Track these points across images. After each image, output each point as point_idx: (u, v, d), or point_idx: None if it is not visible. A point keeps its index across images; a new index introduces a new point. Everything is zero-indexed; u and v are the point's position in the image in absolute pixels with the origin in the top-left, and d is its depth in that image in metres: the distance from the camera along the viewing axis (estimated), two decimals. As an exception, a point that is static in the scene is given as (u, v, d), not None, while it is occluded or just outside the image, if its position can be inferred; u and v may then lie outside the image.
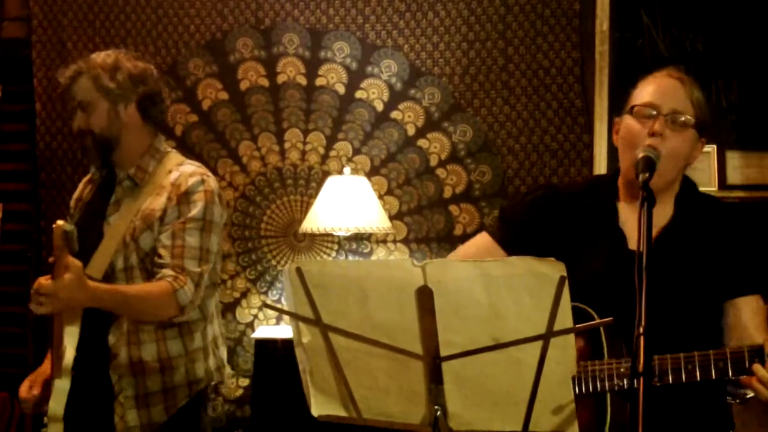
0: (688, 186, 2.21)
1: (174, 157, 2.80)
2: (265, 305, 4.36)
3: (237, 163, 4.38)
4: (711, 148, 3.91)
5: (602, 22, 4.11)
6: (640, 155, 2.03)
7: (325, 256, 4.28)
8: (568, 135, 4.16)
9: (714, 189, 3.89)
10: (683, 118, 2.09)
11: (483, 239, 2.33)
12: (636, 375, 1.57)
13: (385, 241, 4.29)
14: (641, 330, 1.63)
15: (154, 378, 2.66)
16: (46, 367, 2.75)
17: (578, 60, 4.15)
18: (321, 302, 1.71)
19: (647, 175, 1.97)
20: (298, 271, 1.70)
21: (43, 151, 4.46)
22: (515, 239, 2.25)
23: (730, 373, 1.90)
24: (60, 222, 2.41)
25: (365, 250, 4.30)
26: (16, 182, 4.62)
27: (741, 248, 2.12)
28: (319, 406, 1.77)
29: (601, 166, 4.05)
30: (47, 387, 2.65)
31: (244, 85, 4.35)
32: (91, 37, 4.44)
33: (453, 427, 1.70)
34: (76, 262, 2.40)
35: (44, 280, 2.40)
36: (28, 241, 4.54)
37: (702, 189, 2.26)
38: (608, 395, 1.99)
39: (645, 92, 2.14)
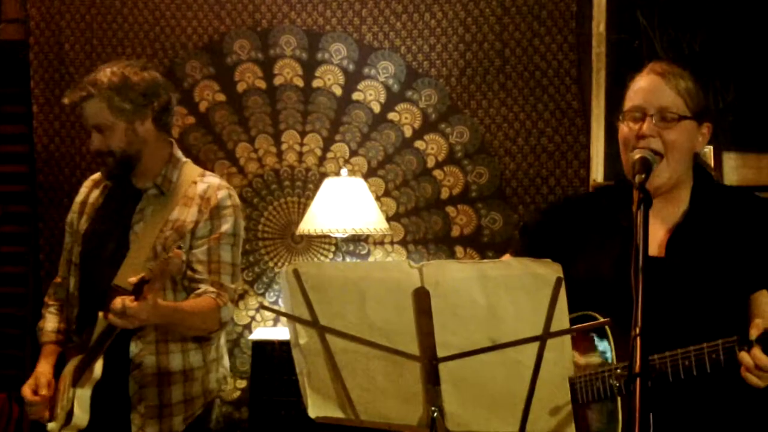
0: (702, 177, 2.17)
1: (192, 166, 2.81)
2: (263, 307, 4.36)
3: (234, 164, 4.38)
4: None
5: (599, 24, 4.11)
6: (636, 156, 2.02)
7: (322, 258, 4.27)
8: (565, 137, 4.16)
9: (710, 190, 3.88)
10: (670, 114, 2.08)
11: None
12: (632, 377, 1.57)
13: (382, 243, 4.29)
14: (638, 331, 1.63)
15: (177, 388, 2.66)
16: (44, 369, 2.73)
17: (575, 61, 4.15)
18: (318, 304, 1.71)
19: (644, 176, 1.96)
20: (296, 272, 1.71)
21: (41, 153, 4.46)
22: (533, 246, 2.23)
23: (723, 364, 1.88)
24: (179, 251, 2.42)
25: (363, 252, 4.30)
26: (13, 184, 4.62)
27: (764, 238, 2.06)
28: (316, 408, 1.77)
29: (598, 168, 4.05)
30: (53, 390, 2.67)
31: (241, 87, 4.35)
32: (89, 39, 4.44)
33: (450, 428, 1.71)
34: (156, 287, 2.41)
35: (129, 302, 2.38)
36: (26, 243, 4.54)
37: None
38: (618, 399, 1.97)
39: (632, 94, 2.13)
